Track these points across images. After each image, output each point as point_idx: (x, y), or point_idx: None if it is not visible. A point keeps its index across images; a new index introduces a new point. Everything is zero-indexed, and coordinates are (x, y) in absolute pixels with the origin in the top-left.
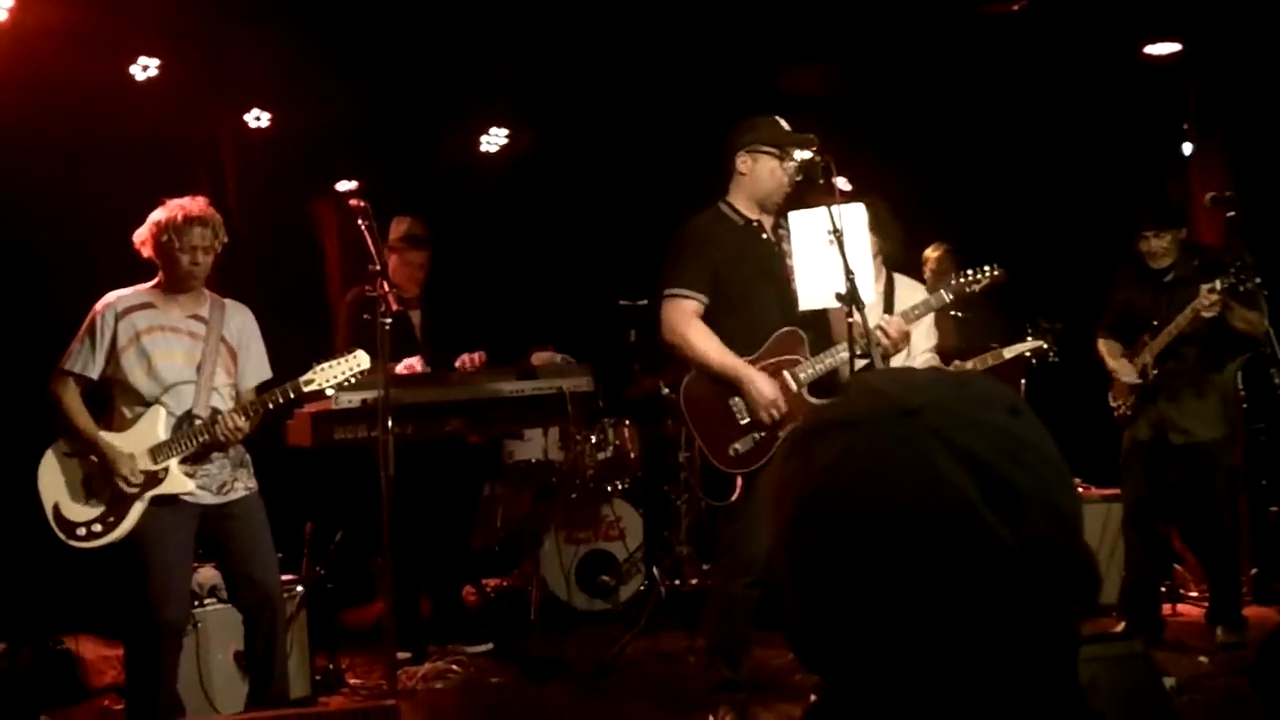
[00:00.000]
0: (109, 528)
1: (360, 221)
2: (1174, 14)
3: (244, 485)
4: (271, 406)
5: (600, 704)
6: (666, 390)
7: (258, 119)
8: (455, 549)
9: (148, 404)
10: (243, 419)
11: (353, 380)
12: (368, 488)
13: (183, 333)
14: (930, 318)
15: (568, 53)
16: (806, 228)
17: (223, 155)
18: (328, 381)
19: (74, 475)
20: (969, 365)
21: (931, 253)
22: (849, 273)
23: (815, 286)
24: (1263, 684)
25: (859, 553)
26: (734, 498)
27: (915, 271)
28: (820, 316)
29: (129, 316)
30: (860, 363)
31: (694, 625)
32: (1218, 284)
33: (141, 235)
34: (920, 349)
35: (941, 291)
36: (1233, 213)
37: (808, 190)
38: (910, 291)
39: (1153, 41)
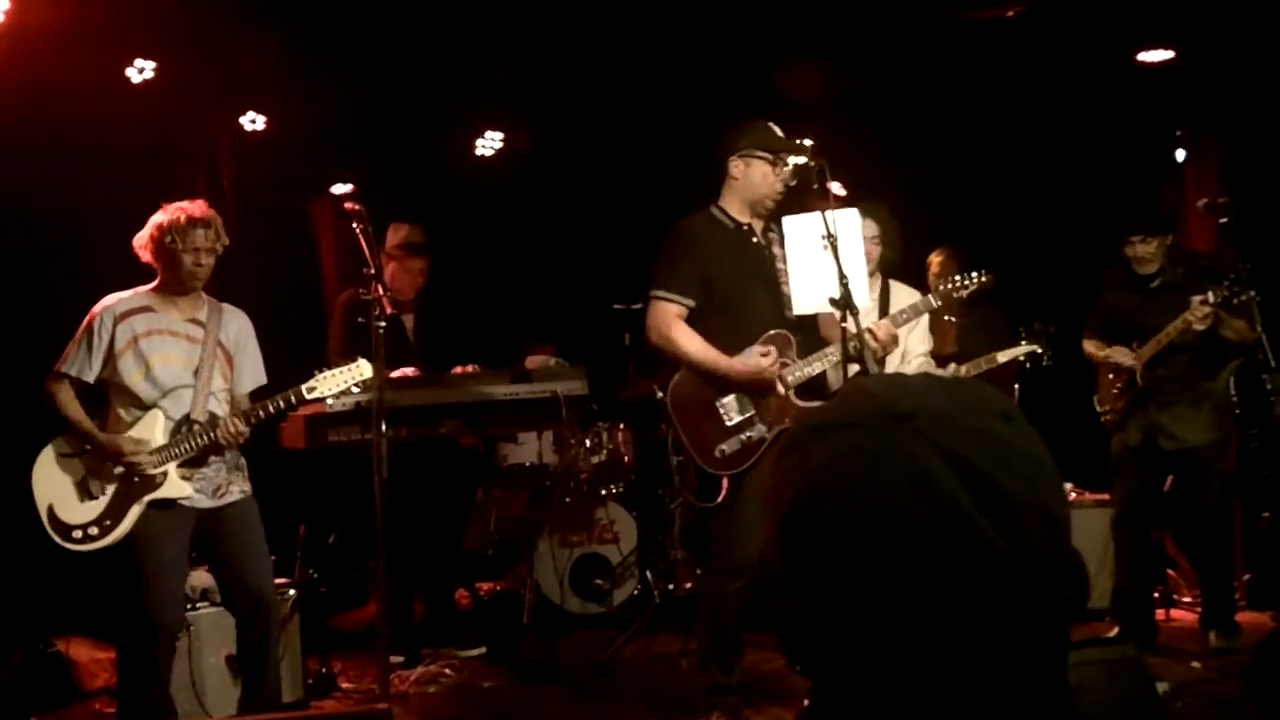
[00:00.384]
0: (106, 531)
1: (355, 225)
2: (1168, 21)
3: (239, 489)
4: (273, 412)
5: (593, 708)
6: (660, 394)
7: (254, 122)
8: (449, 552)
9: (145, 407)
10: (243, 423)
11: (355, 389)
12: (361, 490)
13: (181, 336)
14: (925, 322)
15: (563, 56)
16: (801, 233)
17: (219, 158)
18: (330, 390)
19: (71, 477)
20: (962, 370)
21: (935, 257)
22: (843, 278)
23: (809, 291)
24: (1257, 689)
25: (851, 553)
26: (719, 499)
27: (918, 276)
28: (810, 319)
29: (128, 319)
30: (853, 368)
31: (687, 629)
32: (1210, 296)
33: (142, 239)
34: (915, 353)
35: (930, 297)
36: (1225, 219)
37: (802, 195)
38: (906, 297)
39: (1147, 48)
